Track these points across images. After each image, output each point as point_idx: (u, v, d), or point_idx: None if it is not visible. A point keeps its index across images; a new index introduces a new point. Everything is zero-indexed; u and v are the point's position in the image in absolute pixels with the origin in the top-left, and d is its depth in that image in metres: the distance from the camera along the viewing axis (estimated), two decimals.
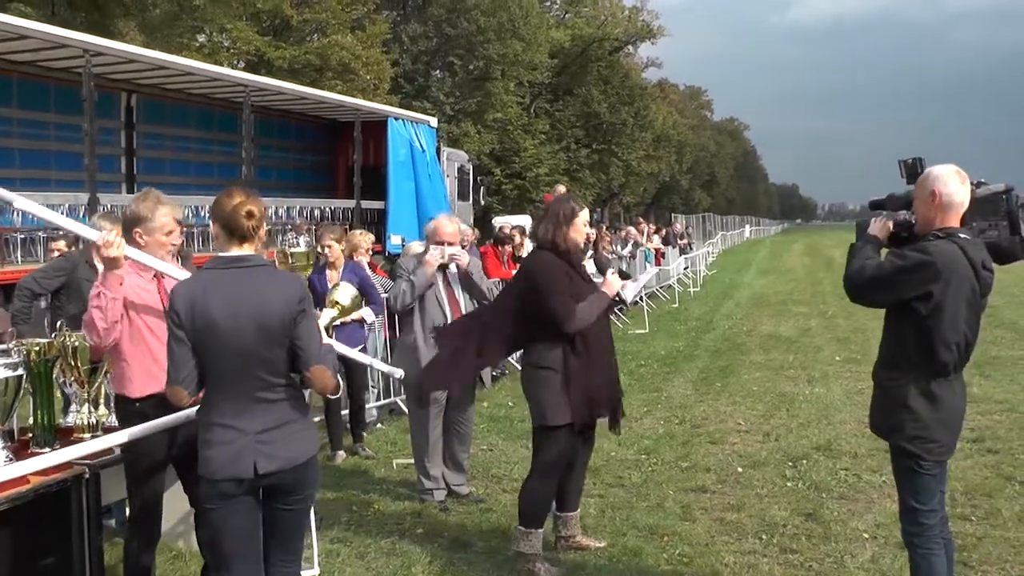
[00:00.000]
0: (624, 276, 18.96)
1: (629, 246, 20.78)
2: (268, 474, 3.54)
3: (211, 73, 14.90)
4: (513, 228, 14.84)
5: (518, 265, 7.72)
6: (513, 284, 5.34)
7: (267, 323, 3.53)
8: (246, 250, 3.63)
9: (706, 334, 15.47)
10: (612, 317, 17.35)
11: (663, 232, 28.38)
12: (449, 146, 25.94)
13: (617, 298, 5.36)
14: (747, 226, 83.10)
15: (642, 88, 62.15)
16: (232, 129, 16.20)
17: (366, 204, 17.92)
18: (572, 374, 5.00)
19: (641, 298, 18.61)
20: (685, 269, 27.15)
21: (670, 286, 22.93)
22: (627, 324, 16.93)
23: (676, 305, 20.24)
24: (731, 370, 11.74)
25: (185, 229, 11.37)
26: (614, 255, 19.06)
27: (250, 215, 3.63)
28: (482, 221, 28.95)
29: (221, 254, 3.65)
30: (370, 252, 8.98)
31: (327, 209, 17.66)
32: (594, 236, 17.71)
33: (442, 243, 6.38)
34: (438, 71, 43.78)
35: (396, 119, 18.52)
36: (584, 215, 5.22)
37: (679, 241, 28.90)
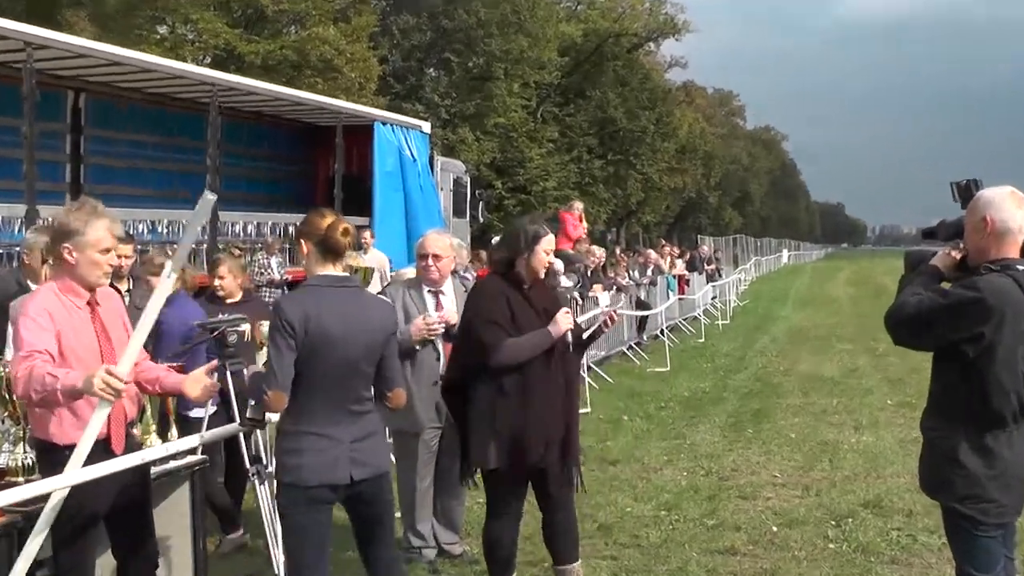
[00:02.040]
0: (643, 306, 18.58)
1: (648, 272, 20.82)
2: (360, 481, 4.26)
3: (173, 70, 14.95)
4: None
5: None
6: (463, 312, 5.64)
7: (372, 339, 4.30)
8: (338, 269, 4.33)
9: (736, 373, 15.50)
10: (619, 354, 17.14)
11: (687, 256, 28.55)
12: (444, 155, 25.99)
13: (576, 340, 5.50)
14: (785, 250, 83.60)
15: (665, 91, 62.60)
16: (196, 134, 16.19)
17: (349, 220, 17.90)
18: (498, 414, 5.17)
19: (661, 331, 18.65)
20: (713, 299, 27.23)
21: (695, 318, 22.93)
22: (645, 361, 16.98)
23: (702, 340, 20.27)
24: (765, 414, 11.71)
25: (139, 247, 11.41)
26: (631, 282, 19.07)
27: (346, 232, 4.33)
28: (481, 241, 28.93)
29: (322, 272, 4.30)
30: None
31: None
32: (602, 259, 17.89)
33: (427, 256, 6.36)
34: (432, 69, 44.08)
35: (384, 124, 18.59)
36: (549, 241, 5.35)
37: (706, 267, 29.03)
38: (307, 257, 4.33)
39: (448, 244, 6.53)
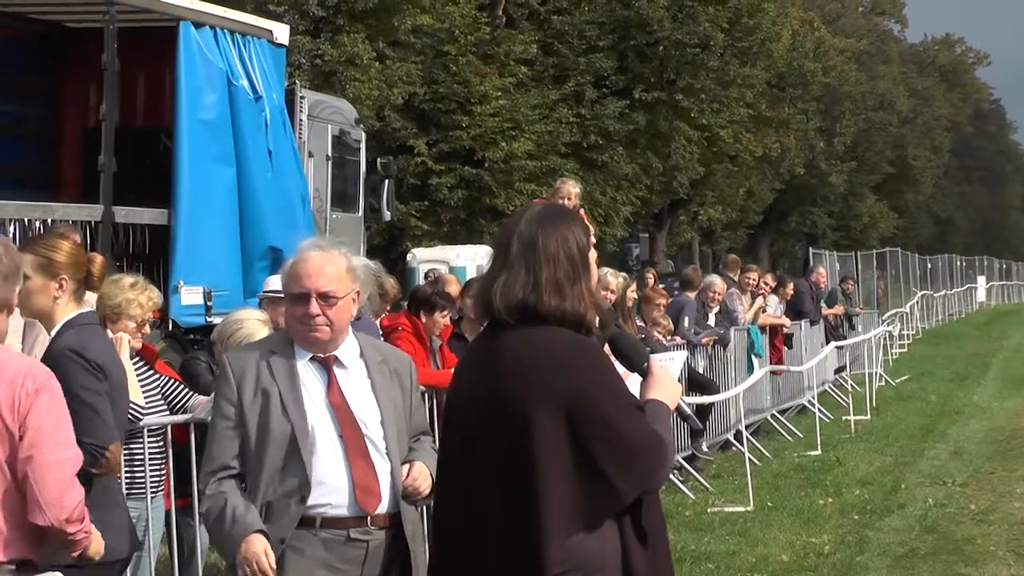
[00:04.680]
0: (700, 386, 12.61)
1: (711, 316, 14.28)
2: None
3: None
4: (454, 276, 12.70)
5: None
6: (530, 409, 3.20)
7: None
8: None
9: (883, 517, 10.80)
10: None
11: (789, 289, 19.06)
12: (318, 89, 20.60)
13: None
14: (981, 279, 60.17)
15: None
16: None
17: (128, 215, 12.13)
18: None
19: (736, 435, 13.13)
20: (839, 371, 19.63)
21: (804, 407, 16.87)
22: (706, 494, 11.69)
23: (816, 452, 14.03)
24: None
25: None
26: (678, 339, 12.97)
27: (104, 273, 4.35)
28: (386, 254, 23.12)
29: (82, 310, 4.22)
30: (147, 323, 6.81)
31: (38, 223, 11.50)
32: (626, 295, 11.77)
33: (308, 295, 3.98)
34: None
35: (197, 26, 12.52)
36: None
37: (827, 311, 20.40)
38: (59, 293, 4.14)
39: (344, 270, 4.15)
